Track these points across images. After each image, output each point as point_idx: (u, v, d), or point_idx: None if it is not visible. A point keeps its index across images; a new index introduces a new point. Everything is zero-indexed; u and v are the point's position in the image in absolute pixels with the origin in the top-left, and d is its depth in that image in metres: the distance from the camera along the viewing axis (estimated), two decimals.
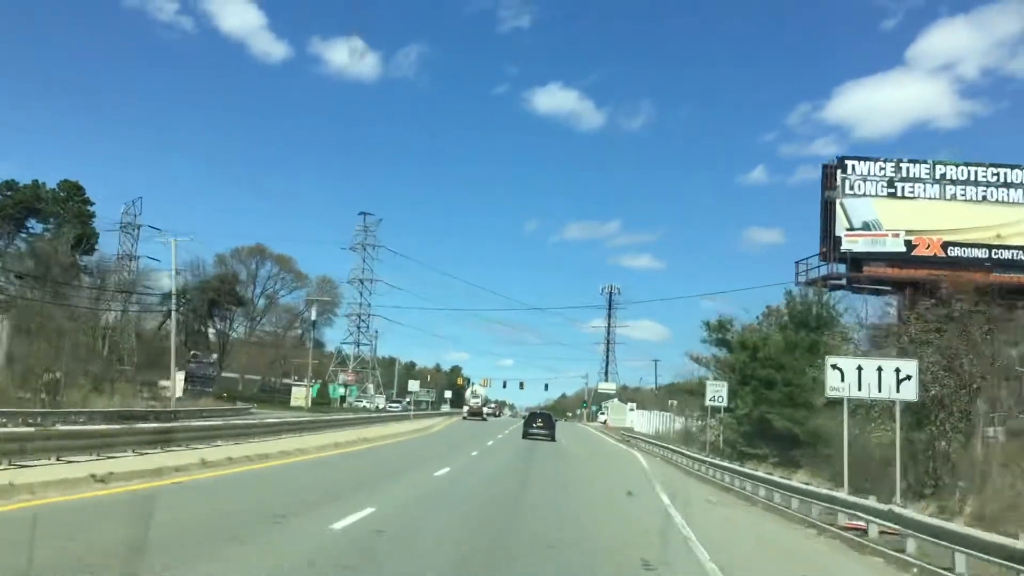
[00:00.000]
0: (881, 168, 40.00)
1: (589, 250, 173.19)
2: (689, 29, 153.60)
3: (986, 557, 9.56)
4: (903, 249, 38.93)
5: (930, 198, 39.58)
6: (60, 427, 20.19)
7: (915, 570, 10.81)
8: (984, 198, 39.35)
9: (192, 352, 70.72)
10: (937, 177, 39.72)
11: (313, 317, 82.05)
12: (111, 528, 9.72)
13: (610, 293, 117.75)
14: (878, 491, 15.99)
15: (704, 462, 27.01)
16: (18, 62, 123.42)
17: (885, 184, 39.72)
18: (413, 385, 65.91)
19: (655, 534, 12.21)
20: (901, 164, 40.25)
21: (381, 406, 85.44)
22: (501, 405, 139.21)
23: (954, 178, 39.64)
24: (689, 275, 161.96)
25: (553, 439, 44.62)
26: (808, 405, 30.21)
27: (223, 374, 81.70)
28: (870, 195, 39.63)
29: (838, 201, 39.54)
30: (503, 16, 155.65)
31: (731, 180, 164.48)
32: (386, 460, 25.81)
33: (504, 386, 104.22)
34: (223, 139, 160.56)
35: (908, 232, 39.02)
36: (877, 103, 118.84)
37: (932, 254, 38.66)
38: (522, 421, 57.42)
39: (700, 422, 41.76)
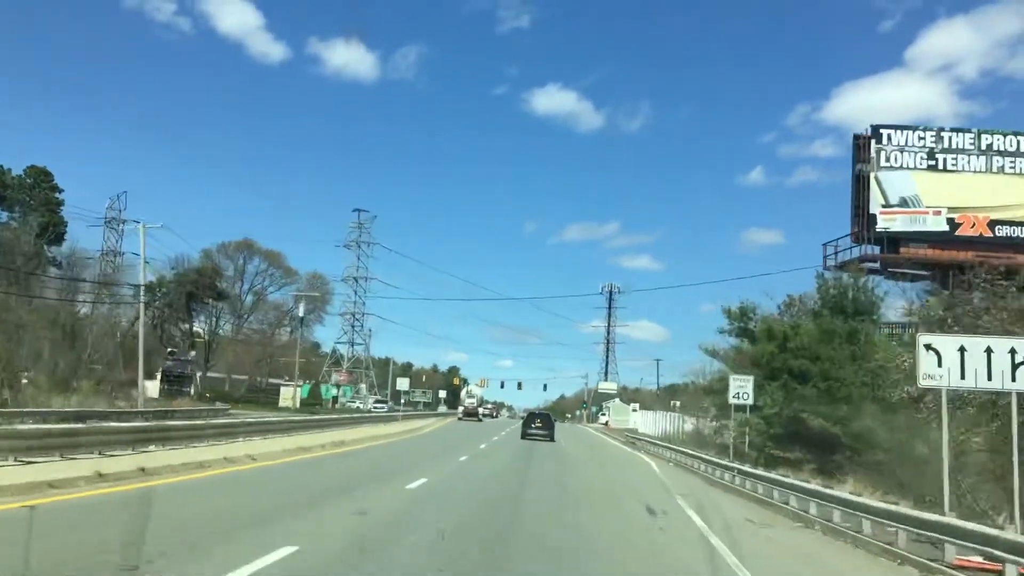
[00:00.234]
0: (920, 138, 35.81)
1: (588, 251, 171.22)
2: (688, 30, 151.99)
3: None
4: (946, 228, 34.73)
5: (975, 171, 35.40)
6: None
7: None
8: None
9: (169, 350, 66.65)
10: (983, 148, 35.53)
11: (301, 313, 77.97)
12: None
13: (610, 292, 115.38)
14: (962, 510, 12.21)
15: (730, 469, 22.91)
16: (18, 62, 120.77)
17: (925, 156, 35.53)
18: (403, 383, 61.29)
19: None
20: (943, 133, 36.07)
21: (366, 407, 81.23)
22: (499, 406, 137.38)
23: (1002, 148, 35.46)
24: (689, 276, 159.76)
25: (552, 439, 43.53)
26: (849, 400, 26.05)
27: (209, 374, 78.13)
28: (908, 167, 35.40)
29: (872, 175, 35.34)
30: (502, 16, 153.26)
31: (730, 181, 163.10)
32: (350, 469, 21.69)
33: (502, 386, 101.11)
34: (221, 139, 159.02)
35: (951, 209, 34.83)
36: (876, 104, 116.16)
37: (978, 233, 34.59)
38: (520, 422, 56.76)
39: (714, 423, 37.52)
